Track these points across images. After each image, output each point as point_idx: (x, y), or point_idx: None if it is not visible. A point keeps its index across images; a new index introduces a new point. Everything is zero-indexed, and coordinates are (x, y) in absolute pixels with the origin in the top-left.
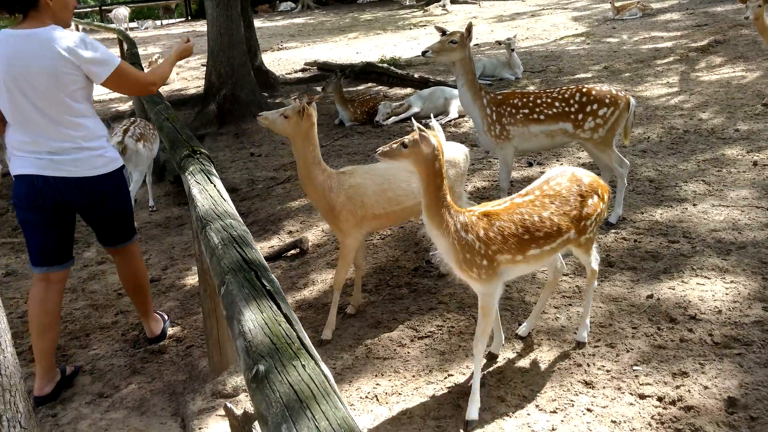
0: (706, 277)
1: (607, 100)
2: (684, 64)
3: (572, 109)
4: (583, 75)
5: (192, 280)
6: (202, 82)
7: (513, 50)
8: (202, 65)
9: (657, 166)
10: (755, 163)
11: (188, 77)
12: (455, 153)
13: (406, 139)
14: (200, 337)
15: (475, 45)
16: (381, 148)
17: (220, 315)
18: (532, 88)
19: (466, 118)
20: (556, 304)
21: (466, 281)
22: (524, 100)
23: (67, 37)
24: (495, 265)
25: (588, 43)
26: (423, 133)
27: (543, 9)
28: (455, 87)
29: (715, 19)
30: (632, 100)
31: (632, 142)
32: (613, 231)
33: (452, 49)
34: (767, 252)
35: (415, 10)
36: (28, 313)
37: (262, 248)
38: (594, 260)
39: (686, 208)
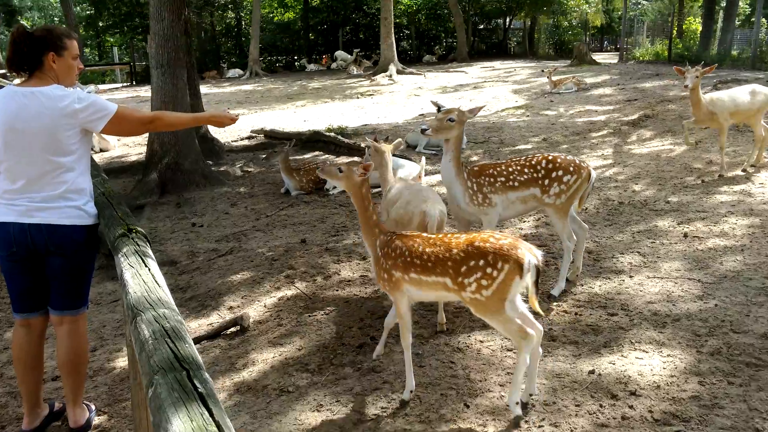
0: (644, 350)
1: (571, 168)
2: (617, 136)
3: (539, 175)
4: (523, 146)
5: (123, 362)
6: (144, 149)
7: None
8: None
9: (595, 237)
10: (686, 235)
11: (130, 143)
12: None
13: (343, 165)
14: (129, 426)
15: (420, 115)
16: (323, 166)
17: None
18: (475, 158)
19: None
20: (501, 382)
21: None
22: (498, 169)
23: (66, 96)
24: (394, 280)
25: (527, 116)
26: (354, 166)
27: (485, 81)
28: (401, 157)
29: (645, 95)
30: (593, 172)
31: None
32: (555, 303)
33: (450, 127)
34: (700, 324)
35: (363, 79)
36: (12, 356)
37: (200, 326)
38: (511, 331)
39: (623, 280)
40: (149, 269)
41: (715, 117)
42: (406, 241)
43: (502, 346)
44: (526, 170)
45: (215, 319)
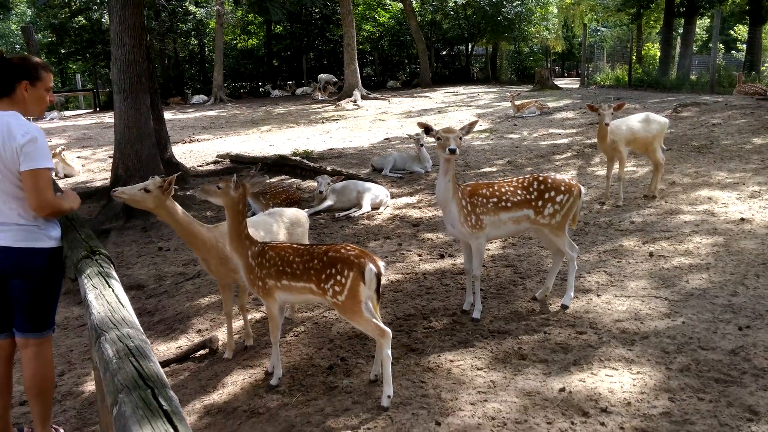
0: (613, 368)
1: (562, 188)
2: (580, 159)
3: (532, 197)
4: (488, 169)
5: (91, 386)
6: (109, 174)
7: (422, 145)
8: (110, 157)
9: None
10: (651, 254)
11: (95, 169)
12: (299, 215)
13: (222, 183)
14: None
15: (385, 139)
16: (201, 188)
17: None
18: None
19: (379, 211)
20: (472, 401)
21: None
22: (491, 189)
23: (19, 125)
24: (267, 288)
25: (492, 139)
26: (231, 182)
27: (449, 106)
28: (367, 180)
29: None
30: (583, 189)
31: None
32: (523, 323)
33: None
34: (668, 341)
35: (327, 104)
36: None
37: (168, 349)
38: (370, 330)
39: (591, 299)
40: (113, 290)
41: (616, 146)
42: (278, 251)
43: (472, 366)
44: (519, 191)
45: (184, 342)
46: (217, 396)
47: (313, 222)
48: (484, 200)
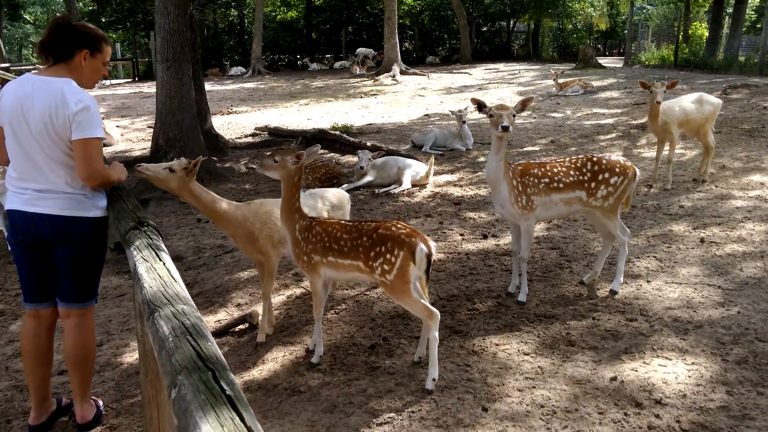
0: (667, 358)
1: (617, 169)
2: (626, 140)
3: (585, 178)
4: (530, 148)
5: (130, 358)
6: (148, 144)
7: (464, 122)
8: (149, 126)
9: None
10: (702, 240)
11: (133, 138)
12: (342, 197)
13: (278, 156)
14: (138, 424)
15: (425, 115)
16: (259, 163)
17: (162, 402)
18: (482, 159)
19: (418, 189)
20: (519, 387)
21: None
22: (542, 170)
23: (73, 92)
24: (313, 263)
25: (534, 118)
26: (287, 155)
27: (489, 83)
28: (407, 157)
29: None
30: (638, 171)
31: (582, 218)
32: (570, 307)
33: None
34: (723, 332)
35: (366, 79)
36: (21, 348)
37: (207, 322)
38: (418, 311)
39: (641, 285)
40: (164, 263)
41: (668, 127)
42: (326, 227)
43: (518, 350)
44: (571, 172)
45: (223, 316)
46: (257, 372)
47: (352, 198)
48: (536, 180)
